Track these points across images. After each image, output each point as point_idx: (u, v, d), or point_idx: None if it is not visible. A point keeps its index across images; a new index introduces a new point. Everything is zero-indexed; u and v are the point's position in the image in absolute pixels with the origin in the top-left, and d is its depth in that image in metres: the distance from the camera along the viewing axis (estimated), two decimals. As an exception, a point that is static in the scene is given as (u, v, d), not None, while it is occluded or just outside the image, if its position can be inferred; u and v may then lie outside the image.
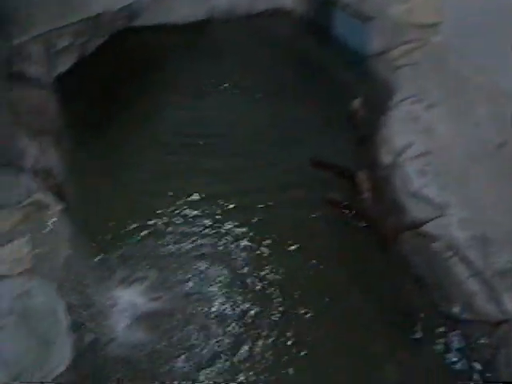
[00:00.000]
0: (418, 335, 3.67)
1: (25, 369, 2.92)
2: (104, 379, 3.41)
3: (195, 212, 4.51)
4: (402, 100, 4.58)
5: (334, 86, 5.75)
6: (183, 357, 3.58)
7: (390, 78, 4.85)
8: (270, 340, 3.69)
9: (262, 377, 3.51)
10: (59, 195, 3.98)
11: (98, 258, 3.97)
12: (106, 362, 3.51)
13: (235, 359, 3.59)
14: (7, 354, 2.92)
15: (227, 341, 3.68)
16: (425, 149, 4.16)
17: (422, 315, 3.75)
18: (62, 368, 3.02)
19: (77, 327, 3.39)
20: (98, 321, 3.62)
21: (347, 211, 4.50)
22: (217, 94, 5.82)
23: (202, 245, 4.25)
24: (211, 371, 3.52)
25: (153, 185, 4.73)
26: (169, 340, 3.67)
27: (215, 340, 3.68)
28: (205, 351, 3.62)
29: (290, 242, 4.28)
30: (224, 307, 3.87)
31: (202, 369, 3.52)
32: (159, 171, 4.87)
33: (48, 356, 3.00)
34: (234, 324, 3.77)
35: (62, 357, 3.04)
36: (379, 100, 4.74)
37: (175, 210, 4.51)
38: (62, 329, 3.14)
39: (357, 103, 5.34)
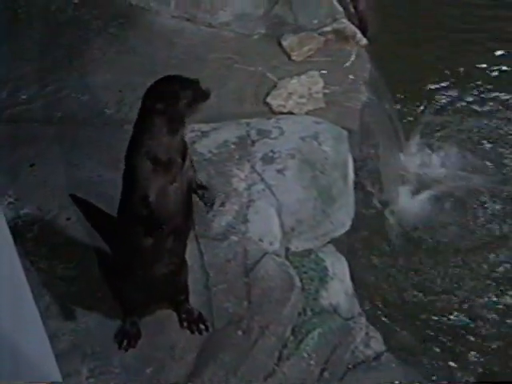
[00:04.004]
0: None
1: (301, 221, 2.50)
2: (378, 248, 2.93)
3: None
4: None
5: None
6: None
7: None
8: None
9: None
10: (361, 28, 3.36)
11: (396, 115, 3.34)
12: (382, 229, 3.04)
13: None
14: (285, 199, 2.52)
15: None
16: None
17: None
18: (342, 231, 2.56)
19: (359, 187, 2.92)
20: (381, 184, 3.09)
21: None
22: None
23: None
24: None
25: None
26: (451, 221, 3.11)
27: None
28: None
29: None
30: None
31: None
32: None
33: (329, 213, 2.54)
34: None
35: (343, 218, 2.57)
36: None
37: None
38: (348, 185, 2.66)
39: None
